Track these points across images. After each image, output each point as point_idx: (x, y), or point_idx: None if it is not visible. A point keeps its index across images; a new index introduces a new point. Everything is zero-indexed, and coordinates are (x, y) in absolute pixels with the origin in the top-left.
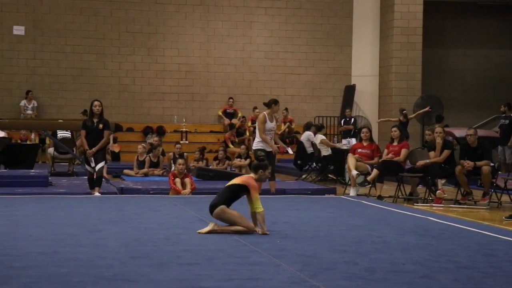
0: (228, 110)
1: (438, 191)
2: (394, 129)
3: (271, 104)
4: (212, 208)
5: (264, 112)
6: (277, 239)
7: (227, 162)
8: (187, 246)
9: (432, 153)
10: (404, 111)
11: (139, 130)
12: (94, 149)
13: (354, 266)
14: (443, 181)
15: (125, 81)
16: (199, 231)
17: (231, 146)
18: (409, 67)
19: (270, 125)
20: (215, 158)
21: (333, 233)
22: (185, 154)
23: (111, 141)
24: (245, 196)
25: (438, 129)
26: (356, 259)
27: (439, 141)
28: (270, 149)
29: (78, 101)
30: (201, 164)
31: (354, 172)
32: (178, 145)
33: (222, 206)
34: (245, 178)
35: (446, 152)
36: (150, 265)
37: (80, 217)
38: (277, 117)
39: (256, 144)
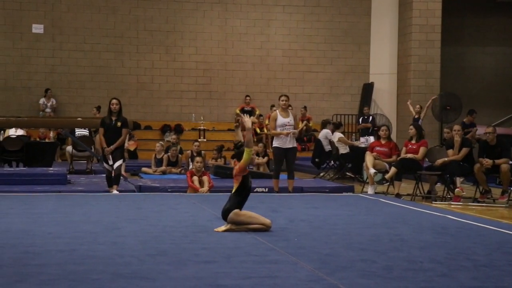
0: (245, 108)
1: (457, 189)
2: (410, 127)
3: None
4: (224, 213)
5: (277, 110)
6: (295, 237)
7: None
8: (205, 244)
9: (450, 151)
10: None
11: (157, 128)
12: (112, 147)
13: (372, 264)
14: (462, 179)
15: (143, 79)
16: (217, 229)
17: None
18: (428, 65)
19: (283, 120)
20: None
21: (350, 231)
22: (203, 152)
23: (127, 140)
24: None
25: (456, 127)
26: (374, 257)
27: (457, 139)
28: (288, 146)
29: (96, 99)
30: (219, 162)
31: (372, 171)
32: (196, 143)
33: (235, 210)
34: (234, 175)
35: (464, 150)
36: (168, 263)
37: (98, 215)
38: (294, 113)
39: (274, 142)
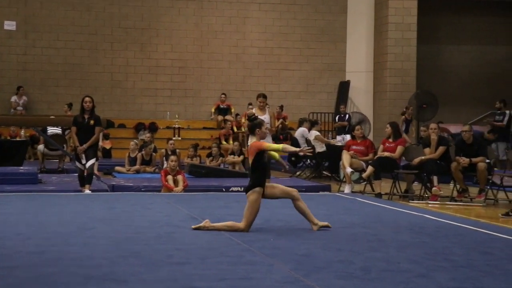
0: (221, 106)
1: (434, 188)
2: (387, 126)
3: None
4: (247, 191)
5: (253, 108)
6: (271, 237)
7: (220, 159)
8: (179, 245)
9: (427, 150)
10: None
11: (131, 127)
12: (84, 146)
13: (349, 265)
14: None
15: (117, 77)
16: (193, 226)
17: (224, 142)
18: (404, 63)
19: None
20: (208, 155)
21: (327, 231)
22: (177, 150)
23: (101, 138)
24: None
25: (432, 125)
26: (351, 257)
27: (434, 137)
28: None
29: (69, 97)
30: (194, 161)
31: (349, 170)
32: (170, 142)
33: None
34: (249, 150)
35: (441, 149)
36: (140, 265)
37: (69, 216)
38: (272, 111)
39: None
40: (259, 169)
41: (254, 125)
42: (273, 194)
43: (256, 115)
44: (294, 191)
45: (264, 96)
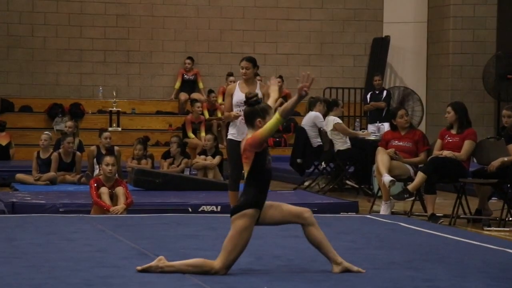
0: (185, 77)
1: None
2: (448, 109)
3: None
4: (232, 212)
5: (236, 81)
6: (264, 283)
7: (184, 161)
8: None
9: None
10: None
11: (41, 110)
12: None
13: None
14: None
15: (17, 30)
16: (139, 267)
17: (191, 135)
18: (477, 8)
19: (240, 96)
20: (166, 155)
21: (353, 275)
22: (116, 148)
23: None
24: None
25: None
26: None
27: None
28: (241, 138)
29: None
30: (144, 164)
31: (387, 178)
32: (105, 134)
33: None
34: (243, 150)
35: None
36: None
37: None
38: (264, 85)
39: (229, 131)
40: (258, 181)
41: (255, 111)
42: (273, 218)
43: (257, 94)
44: (305, 212)
45: (251, 60)
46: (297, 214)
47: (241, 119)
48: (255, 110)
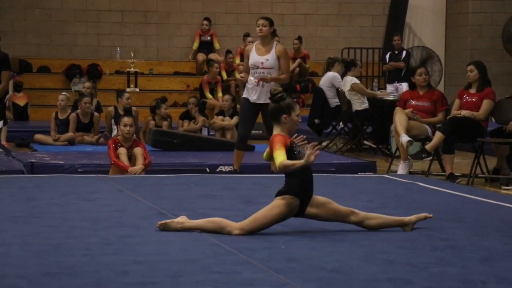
0: (202, 38)
1: None
2: (470, 67)
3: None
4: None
5: (253, 42)
6: (281, 243)
7: (202, 120)
8: (139, 256)
9: None
10: None
11: (59, 71)
12: None
13: (405, 285)
14: None
15: None
16: (159, 222)
17: (209, 96)
18: None
19: (256, 58)
20: (184, 116)
21: (371, 234)
22: (134, 109)
23: (10, 88)
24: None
25: None
26: (408, 275)
27: None
28: (261, 101)
29: None
30: (161, 124)
31: (405, 138)
32: (126, 95)
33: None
34: (270, 143)
35: None
36: (78, 287)
37: None
38: (280, 46)
39: (244, 90)
40: (293, 172)
41: (280, 108)
42: (318, 214)
43: (281, 90)
44: (351, 214)
45: (267, 19)
46: (344, 214)
47: (253, 81)
48: (280, 107)
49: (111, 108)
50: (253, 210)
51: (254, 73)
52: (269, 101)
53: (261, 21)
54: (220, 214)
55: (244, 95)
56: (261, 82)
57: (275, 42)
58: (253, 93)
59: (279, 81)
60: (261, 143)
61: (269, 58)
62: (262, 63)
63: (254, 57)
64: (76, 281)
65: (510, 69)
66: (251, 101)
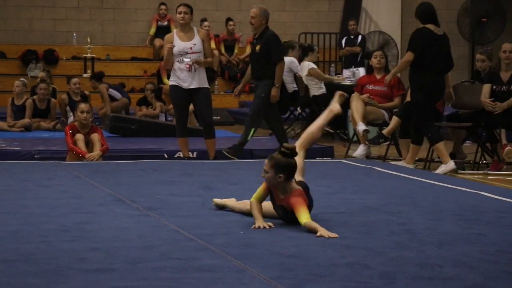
0: (159, 23)
1: (508, 148)
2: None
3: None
4: None
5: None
6: (240, 229)
7: (159, 106)
8: (97, 242)
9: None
10: None
11: (14, 57)
12: None
13: (362, 270)
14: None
15: None
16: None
17: (166, 81)
18: None
19: (181, 45)
20: (141, 102)
21: (328, 219)
22: (90, 95)
23: None
24: None
25: (507, 45)
26: (365, 259)
27: (507, 62)
28: (192, 86)
29: None
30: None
31: (362, 127)
32: (74, 80)
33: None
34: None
35: None
36: (35, 274)
37: None
38: (201, 31)
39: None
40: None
41: (283, 166)
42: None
43: (294, 148)
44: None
45: (189, 7)
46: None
47: (183, 67)
48: (283, 164)
49: (64, 95)
50: (211, 195)
51: (182, 60)
52: (200, 85)
53: (183, 9)
54: (178, 200)
55: (172, 83)
56: (193, 67)
57: (194, 28)
58: (185, 79)
59: (209, 64)
60: (218, 128)
61: (196, 42)
62: (191, 48)
63: (180, 44)
64: (33, 268)
65: (465, 53)
66: (184, 88)
